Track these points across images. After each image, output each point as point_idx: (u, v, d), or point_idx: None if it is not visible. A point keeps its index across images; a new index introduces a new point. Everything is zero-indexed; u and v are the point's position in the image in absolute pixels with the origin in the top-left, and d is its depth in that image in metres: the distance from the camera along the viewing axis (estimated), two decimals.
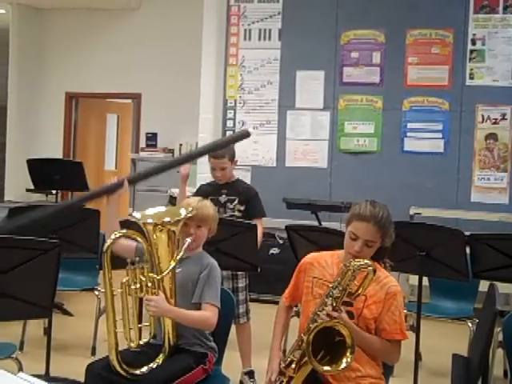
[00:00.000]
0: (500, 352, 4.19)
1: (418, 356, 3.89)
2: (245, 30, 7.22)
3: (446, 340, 4.99)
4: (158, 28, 8.48)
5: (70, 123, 9.18)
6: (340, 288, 2.68)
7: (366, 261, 2.68)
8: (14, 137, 9.04)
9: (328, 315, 2.66)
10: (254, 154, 7.11)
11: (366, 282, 2.68)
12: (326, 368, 2.63)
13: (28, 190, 7.85)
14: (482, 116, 6.62)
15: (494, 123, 6.62)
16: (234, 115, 7.27)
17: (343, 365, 2.60)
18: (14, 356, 3.40)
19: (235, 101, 7.27)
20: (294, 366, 2.77)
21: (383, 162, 6.86)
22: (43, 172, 6.19)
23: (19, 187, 8.35)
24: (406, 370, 3.92)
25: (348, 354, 2.60)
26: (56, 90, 9.04)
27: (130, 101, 9.25)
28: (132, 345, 2.99)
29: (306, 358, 2.66)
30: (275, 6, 7.13)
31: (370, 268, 2.65)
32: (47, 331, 3.90)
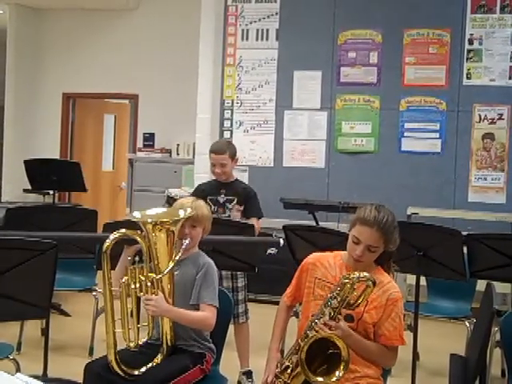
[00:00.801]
0: (498, 351, 4.20)
1: (415, 356, 3.89)
2: (242, 30, 7.22)
3: (443, 340, 4.99)
4: (155, 28, 8.47)
5: (67, 123, 9.18)
6: (338, 299, 2.66)
7: (365, 273, 2.66)
8: (11, 137, 9.03)
9: (325, 324, 2.65)
10: (252, 154, 7.10)
11: (365, 294, 2.67)
12: (319, 379, 2.63)
13: (25, 191, 7.84)
14: (479, 116, 6.63)
15: (491, 123, 6.63)
16: (232, 115, 7.27)
17: (334, 378, 2.60)
18: (11, 357, 3.39)
19: (232, 101, 7.27)
20: (289, 371, 2.77)
21: (380, 161, 6.86)
22: (40, 172, 6.18)
23: (16, 188, 8.34)
24: (403, 369, 3.92)
25: (341, 368, 2.60)
26: (53, 90, 9.03)
27: (127, 101, 9.25)
28: (131, 345, 2.98)
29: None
30: (273, 6, 7.14)
31: (370, 281, 2.63)
32: (45, 332, 3.89)
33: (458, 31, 6.64)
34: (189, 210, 3.03)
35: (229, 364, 3.51)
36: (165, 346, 3.05)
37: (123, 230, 3.01)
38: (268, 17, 7.16)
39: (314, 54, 6.97)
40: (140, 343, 3.03)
